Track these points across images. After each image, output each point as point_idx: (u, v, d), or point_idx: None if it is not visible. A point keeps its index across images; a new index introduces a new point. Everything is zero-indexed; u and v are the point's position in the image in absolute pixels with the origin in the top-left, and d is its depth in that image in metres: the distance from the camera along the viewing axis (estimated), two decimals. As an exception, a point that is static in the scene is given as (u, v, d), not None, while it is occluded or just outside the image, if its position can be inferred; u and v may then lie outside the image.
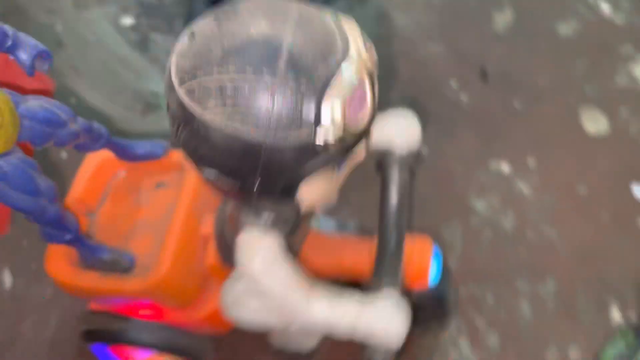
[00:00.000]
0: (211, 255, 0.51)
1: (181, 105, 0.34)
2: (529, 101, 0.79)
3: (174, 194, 0.53)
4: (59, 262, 0.51)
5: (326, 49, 0.33)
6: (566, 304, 0.65)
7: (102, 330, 0.54)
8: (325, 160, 0.34)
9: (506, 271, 0.66)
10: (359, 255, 0.48)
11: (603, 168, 0.74)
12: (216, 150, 0.34)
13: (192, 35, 0.35)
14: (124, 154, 0.54)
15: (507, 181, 0.73)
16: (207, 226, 0.51)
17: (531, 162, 0.74)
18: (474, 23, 0.85)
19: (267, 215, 0.40)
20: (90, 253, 0.50)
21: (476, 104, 0.78)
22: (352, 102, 0.33)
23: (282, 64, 0.32)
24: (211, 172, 0.36)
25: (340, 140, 0.34)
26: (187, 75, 0.34)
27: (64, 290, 0.53)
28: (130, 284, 0.50)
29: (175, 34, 0.78)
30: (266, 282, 0.40)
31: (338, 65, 0.33)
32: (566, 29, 0.86)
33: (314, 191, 0.37)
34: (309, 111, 0.32)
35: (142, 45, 0.78)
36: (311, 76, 0.32)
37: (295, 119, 0.32)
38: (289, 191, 0.36)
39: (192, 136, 0.34)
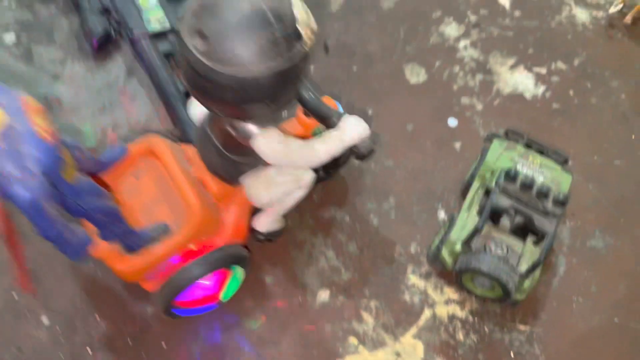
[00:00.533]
0: (213, 186, 0.67)
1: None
2: (363, 65, 0.98)
3: (154, 172, 0.67)
4: (121, 260, 0.63)
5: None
6: (405, 214, 0.84)
7: (171, 290, 0.65)
8: (307, 60, 0.55)
9: (358, 196, 0.85)
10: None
11: (425, 108, 0.95)
12: (264, 88, 0.53)
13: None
14: (96, 166, 0.65)
15: (352, 129, 0.91)
16: (197, 169, 0.67)
17: (370, 111, 0.93)
18: (314, 7, 1.01)
19: (269, 119, 0.59)
20: (139, 239, 0.63)
21: (322, 72, 0.96)
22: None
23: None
24: (254, 106, 0.55)
25: (313, 34, 0.54)
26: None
27: (132, 280, 0.65)
28: (180, 235, 0.63)
29: (55, 44, 0.90)
30: (289, 153, 0.60)
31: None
32: (388, 2, 1.06)
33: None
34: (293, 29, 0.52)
35: (27, 57, 0.88)
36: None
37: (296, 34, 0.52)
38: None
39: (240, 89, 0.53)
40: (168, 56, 0.86)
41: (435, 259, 0.76)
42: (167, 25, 0.87)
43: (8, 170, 0.48)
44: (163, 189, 0.66)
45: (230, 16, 0.50)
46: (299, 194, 0.71)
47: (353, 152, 0.66)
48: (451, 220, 0.76)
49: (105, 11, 0.89)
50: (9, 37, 0.90)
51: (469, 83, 0.99)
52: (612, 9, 1.10)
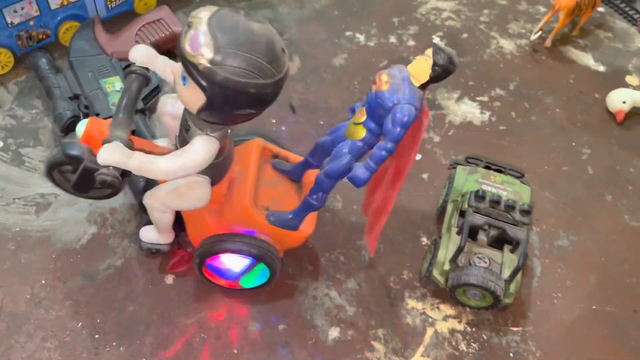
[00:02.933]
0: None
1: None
2: (328, 117, 1.08)
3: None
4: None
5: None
6: (392, 245, 0.92)
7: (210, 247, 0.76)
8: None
9: (347, 237, 0.92)
10: None
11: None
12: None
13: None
14: None
15: (330, 177, 1.00)
16: None
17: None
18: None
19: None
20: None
21: (292, 130, 1.05)
22: None
23: None
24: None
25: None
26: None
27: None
28: None
29: (42, 144, 0.95)
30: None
31: None
32: (339, 60, 1.18)
33: None
34: None
35: (17, 160, 0.93)
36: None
37: None
38: None
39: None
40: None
41: (427, 280, 0.84)
42: None
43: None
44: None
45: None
46: None
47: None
48: (435, 244, 0.85)
49: (75, 97, 0.96)
50: (-4, 145, 0.95)
51: (424, 119, 1.10)
52: (533, 37, 1.25)
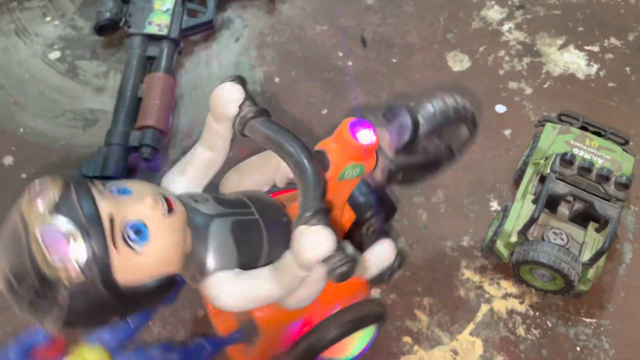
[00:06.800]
0: None
1: None
2: (403, 56, 0.95)
3: None
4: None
5: None
6: (455, 207, 0.81)
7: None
8: None
9: (404, 191, 0.82)
10: None
11: (470, 96, 0.91)
12: None
13: None
14: None
15: (395, 122, 0.89)
16: None
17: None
18: (349, 1, 1.01)
19: None
20: None
21: (360, 66, 0.94)
22: None
23: None
24: None
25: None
26: None
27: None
28: None
29: (98, 58, 0.92)
30: None
31: None
32: (426, -9, 1.03)
33: None
34: None
35: (71, 73, 0.90)
36: None
37: None
38: None
39: None
40: (152, 59, 0.87)
41: (490, 251, 0.73)
42: (165, 32, 0.88)
43: None
44: None
45: None
46: None
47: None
48: (505, 211, 0.73)
49: (127, 1, 0.91)
50: (54, 55, 0.92)
51: (516, 67, 0.95)
52: (669, -23, 1.03)
